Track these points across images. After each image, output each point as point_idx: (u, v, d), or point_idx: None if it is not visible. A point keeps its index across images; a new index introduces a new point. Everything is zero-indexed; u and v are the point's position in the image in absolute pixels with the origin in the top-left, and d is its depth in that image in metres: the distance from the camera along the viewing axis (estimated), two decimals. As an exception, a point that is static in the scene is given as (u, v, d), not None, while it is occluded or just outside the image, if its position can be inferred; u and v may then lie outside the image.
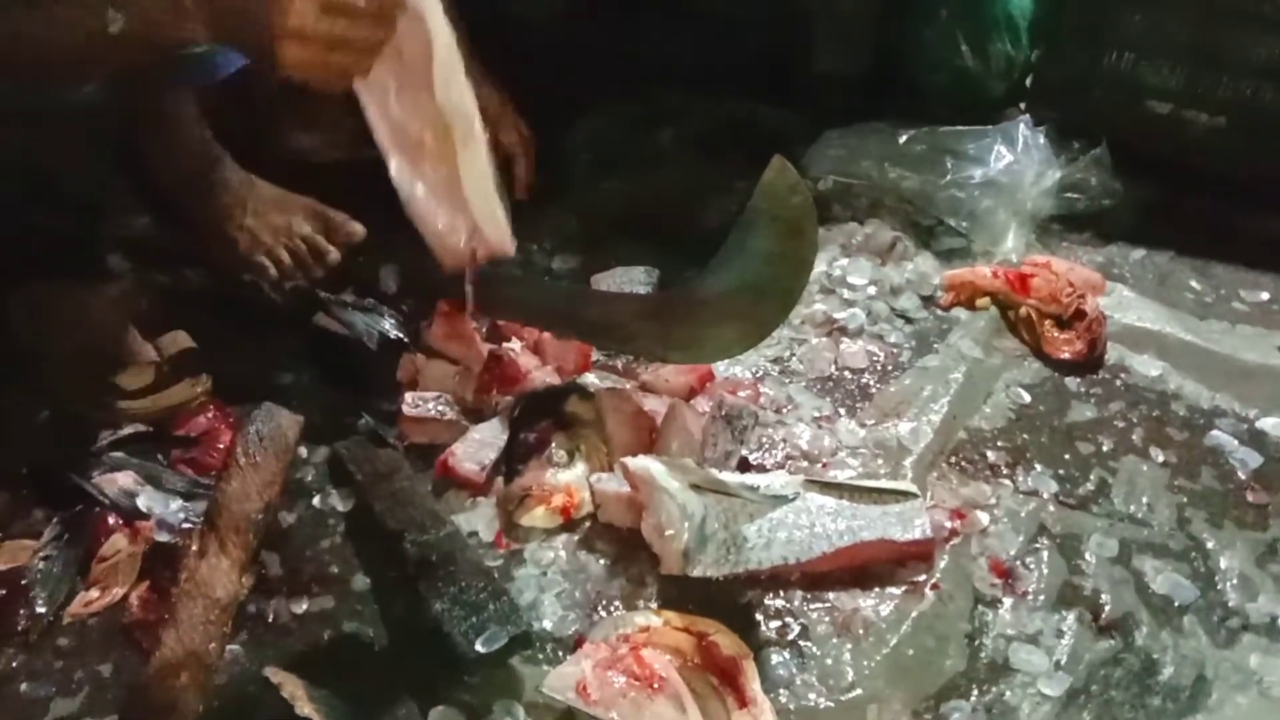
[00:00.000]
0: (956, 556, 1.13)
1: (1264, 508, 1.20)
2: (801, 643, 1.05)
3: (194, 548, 1.05)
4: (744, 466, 1.20)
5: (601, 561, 1.12)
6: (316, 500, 1.18)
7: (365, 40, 0.95)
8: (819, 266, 1.49)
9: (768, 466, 1.22)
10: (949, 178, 1.61)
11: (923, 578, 1.11)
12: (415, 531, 1.10)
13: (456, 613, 1.02)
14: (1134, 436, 1.29)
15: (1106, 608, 1.09)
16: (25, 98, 0.95)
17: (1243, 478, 1.24)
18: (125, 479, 1.15)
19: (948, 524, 1.16)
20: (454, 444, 1.20)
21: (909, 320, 1.45)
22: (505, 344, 1.34)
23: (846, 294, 1.48)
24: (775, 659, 1.03)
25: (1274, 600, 1.10)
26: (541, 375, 1.29)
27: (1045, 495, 1.21)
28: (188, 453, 1.20)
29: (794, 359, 1.38)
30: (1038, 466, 1.24)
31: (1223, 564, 1.14)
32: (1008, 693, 1.02)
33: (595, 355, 1.35)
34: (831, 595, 1.09)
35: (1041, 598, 1.10)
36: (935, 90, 1.80)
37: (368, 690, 1.00)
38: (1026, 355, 1.40)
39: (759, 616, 1.07)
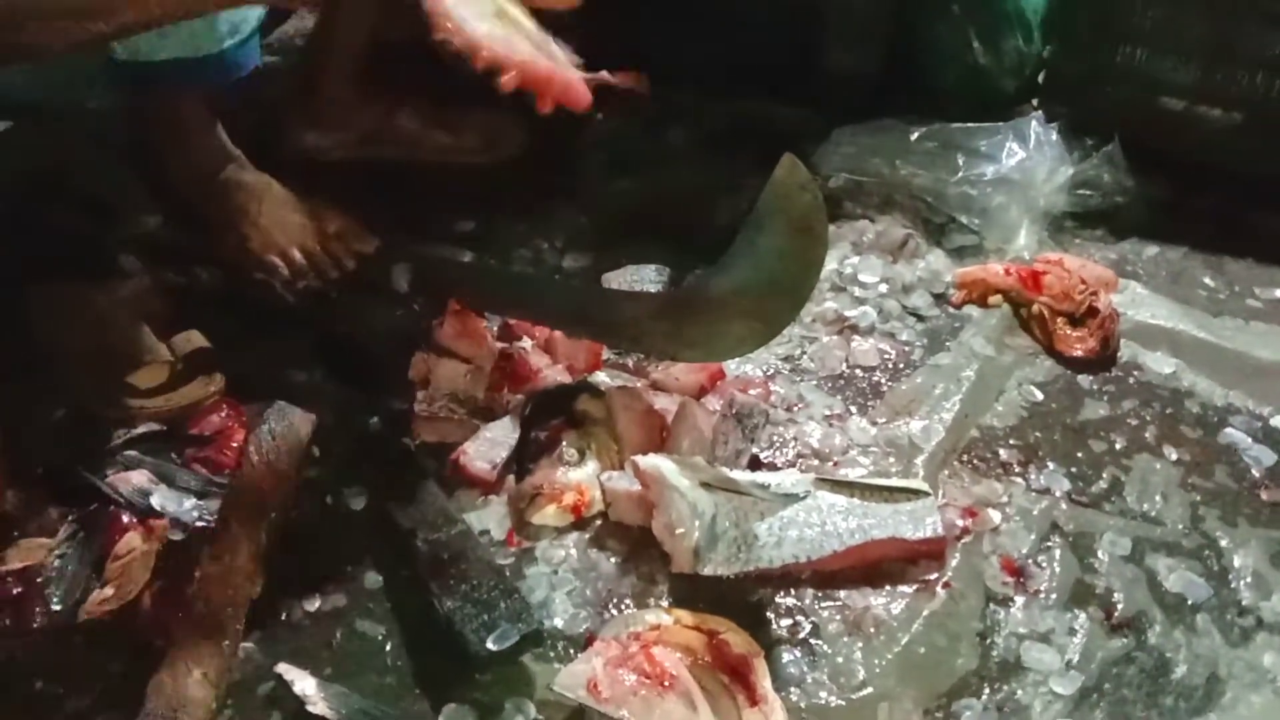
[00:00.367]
0: (968, 555, 1.13)
1: (1278, 506, 1.20)
2: (812, 641, 1.05)
3: (207, 546, 1.06)
4: (755, 465, 1.20)
5: (612, 560, 1.12)
6: (329, 498, 1.19)
7: None
8: (830, 264, 1.49)
9: (779, 465, 1.22)
10: (961, 175, 1.60)
11: (934, 576, 1.10)
12: (427, 530, 1.11)
13: (468, 610, 1.02)
14: (1147, 434, 1.28)
15: (1119, 606, 1.09)
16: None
17: (1256, 476, 1.23)
18: (139, 477, 1.16)
19: (959, 522, 1.16)
20: (465, 442, 1.20)
21: (921, 318, 1.45)
22: (516, 342, 1.34)
23: (858, 292, 1.47)
24: (786, 657, 1.03)
25: (1288, 599, 1.10)
26: (552, 374, 1.29)
27: (1057, 493, 1.20)
28: (201, 451, 1.20)
29: (805, 357, 1.38)
30: (1050, 464, 1.24)
31: (1236, 562, 1.14)
32: (1019, 691, 1.01)
33: (606, 354, 1.35)
34: (843, 593, 1.09)
35: (1054, 596, 1.10)
36: (947, 87, 1.79)
37: (380, 687, 1.01)
38: (1039, 353, 1.40)
39: (770, 615, 1.07)
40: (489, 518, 1.16)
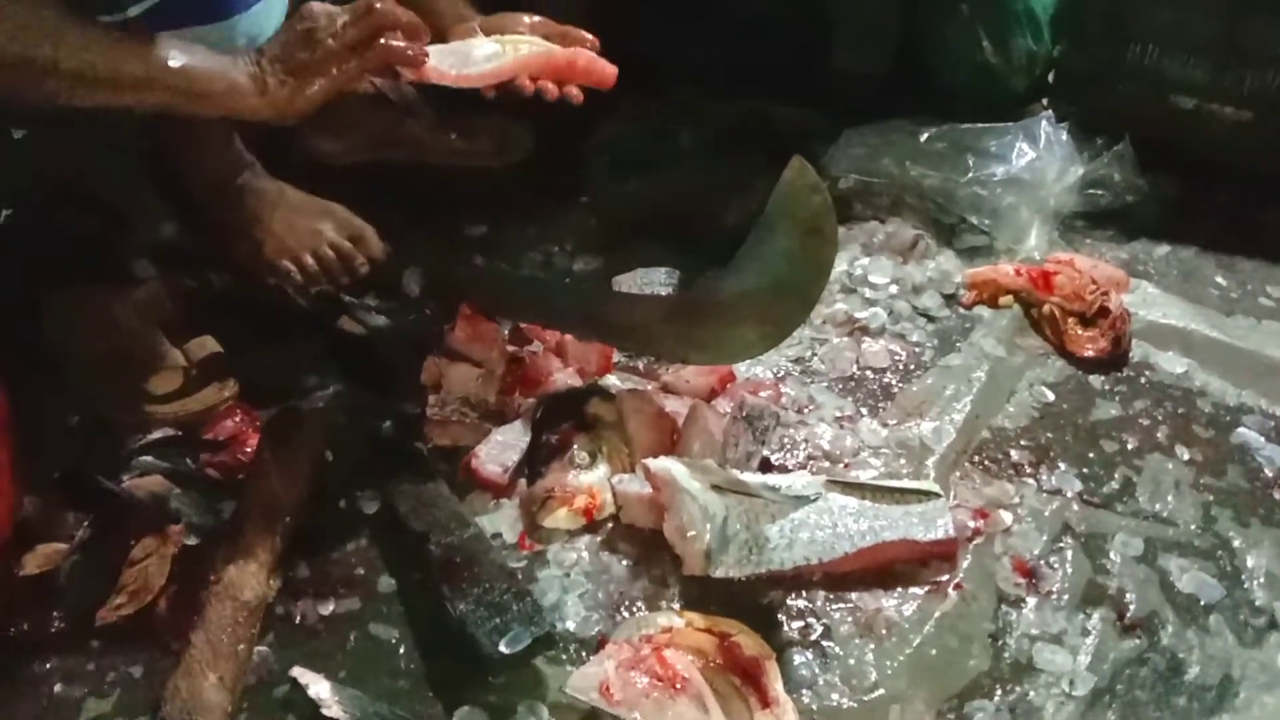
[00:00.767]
0: (980, 556, 1.13)
1: (1291, 505, 1.19)
2: (824, 643, 1.05)
3: (222, 550, 1.07)
4: (765, 467, 1.20)
5: (624, 562, 1.12)
6: (342, 502, 1.19)
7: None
8: (840, 266, 1.49)
9: (789, 467, 1.22)
10: (971, 175, 1.60)
11: (946, 577, 1.10)
12: (440, 533, 1.11)
13: (480, 614, 1.02)
14: (1159, 434, 1.28)
15: (1131, 607, 1.09)
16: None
17: (1269, 475, 1.23)
18: (154, 482, 1.16)
19: (971, 523, 1.16)
20: (477, 446, 1.21)
21: (931, 319, 1.45)
22: (527, 346, 1.35)
23: (868, 293, 1.47)
24: (798, 659, 1.03)
25: (1302, 599, 1.09)
26: (563, 377, 1.29)
27: (1069, 494, 1.20)
28: (215, 456, 1.21)
29: (815, 359, 1.38)
30: (1061, 465, 1.24)
31: (1249, 562, 1.13)
32: (1032, 693, 1.01)
33: (616, 357, 1.35)
34: (854, 595, 1.09)
35: (1066, 597, 1.09)
36: (956, 87, 1.79)
37: (393, 690, 1.02)
38: (1050, 353, 1.40)
39: (781, 617, 1.07)
40: (501, 521, 1.17)
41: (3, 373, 1.08)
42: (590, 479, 1.17)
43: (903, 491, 1.14)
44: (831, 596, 1.09)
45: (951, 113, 1.69)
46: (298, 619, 1.08)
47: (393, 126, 1.64)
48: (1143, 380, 1.36)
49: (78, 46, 0.94)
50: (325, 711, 0.96)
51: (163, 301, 1.34)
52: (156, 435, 1.23)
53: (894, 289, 1.48)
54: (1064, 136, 1.62)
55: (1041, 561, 1.13)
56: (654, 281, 1.45)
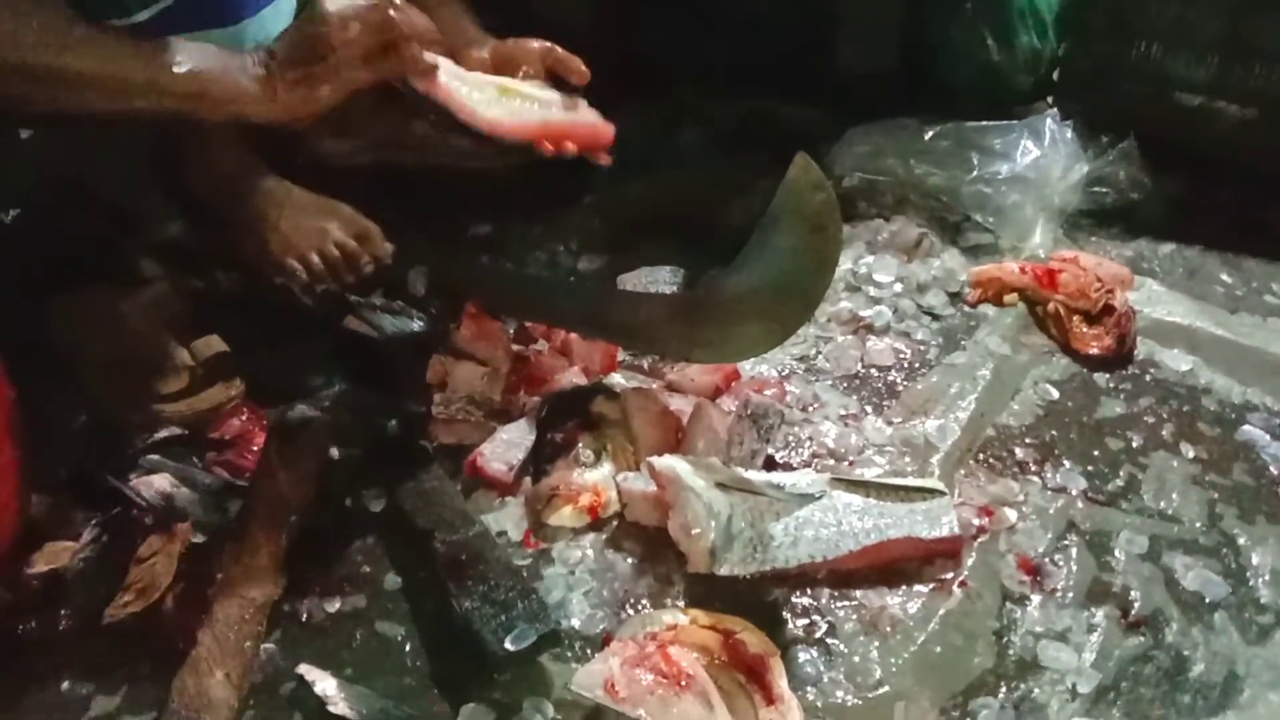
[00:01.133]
0: (984, 554, 1.13)
1: (1296, 503, 1.19)
2: (829, 640, 1.05)
3: (229, 548, 1.07)
4: (770, 465, 1.20)
5: (629, 560, 1.13)
6: (348, 501, 1.20)
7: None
8: (845, 264, 1.49)
9: (794, 465, 1.23)
10: (975, 173, 1.60)
11: (950, 575, 1.10)
12: (445, 531, 1.11)
13: (486, 611, 1.03)
14: (1164, 432, 1.28)
15: (1136, 604, 1.09)
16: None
17: (1275, 473, 1.22)
18: (162, 481, 1.17)
19: (976, 521, 1.16)
20: (482, 444, 1.21)
21: (936, 317, 1.45)
22: (532, 345, 1.35)
23: (873, 291, 1.48)
24: (803, 657, 1.03)
25: (1307, 596, 1.09)
26: (568, 376, 1.30)
27: (1074, 492, 1.20)
28: (222, 455, 1.22)
29: (820, 357, 1.38)
30: (1066, 463, 1.24)
31: (1254, 560, 1.13)
32: (1036, 690, 1.01)
33: (621, 355, 1.36)
34: (859, 593, 1.09)
35: (1070, 595, 1.09)
36: (960, 85, 1.79)
37: (399, 688, 1.02)
38: (1055, 351, 1.40)
39: (786, 614, 1.08)
40: (506, 519, 1.17)
41: (10, 374, 1.09)
42: (595, 477, 1.17)
43: (907, 489, 1.14)
44: (836, 594, 1.09)
45: (956, 111, 1.70)
46: (304, 617, 1.08)
47: (399, 127, 1.64)
48: (1147, 378, 1.36)
49: (84, 52, 0.94)
50: (332, 709, 0.97)
51: (169, 301, 1.34)
52: (163, 434, 1.23)
53: (899, 287, 1.48)
54: (1068, 134, 1.62)
55: (1046, 559, 1.13)
56: (658, 280, 1.45)
